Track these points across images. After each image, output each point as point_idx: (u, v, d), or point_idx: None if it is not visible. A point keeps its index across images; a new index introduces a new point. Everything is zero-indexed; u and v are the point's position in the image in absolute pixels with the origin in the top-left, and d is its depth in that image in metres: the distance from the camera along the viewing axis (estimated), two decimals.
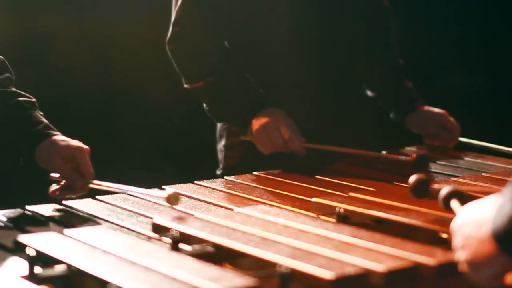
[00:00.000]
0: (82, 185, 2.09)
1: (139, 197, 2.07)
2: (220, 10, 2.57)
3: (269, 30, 2.57)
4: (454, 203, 1.60)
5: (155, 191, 2.03)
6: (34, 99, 2.17)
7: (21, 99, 2.13)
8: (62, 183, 2.12)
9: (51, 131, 2.10)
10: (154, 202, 2.05)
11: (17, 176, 3.28)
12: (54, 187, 2.13)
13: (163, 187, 2.13)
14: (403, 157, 2.38)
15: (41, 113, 2.16)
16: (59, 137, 2.10)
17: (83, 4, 3.85)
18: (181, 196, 1.96)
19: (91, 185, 2.10)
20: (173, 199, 1.92)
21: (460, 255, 1.35)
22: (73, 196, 2.12)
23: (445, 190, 1.63)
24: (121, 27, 3.83)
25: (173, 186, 2.21)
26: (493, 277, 1.32)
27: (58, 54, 3.73)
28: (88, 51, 3.80)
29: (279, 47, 2.58)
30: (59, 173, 2.11)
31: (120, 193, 2.11)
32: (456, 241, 1.36)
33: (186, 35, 2.57)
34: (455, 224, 1.38)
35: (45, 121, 2.13)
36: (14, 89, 2.16)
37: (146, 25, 3.73)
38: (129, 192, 2.08)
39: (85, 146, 2.10)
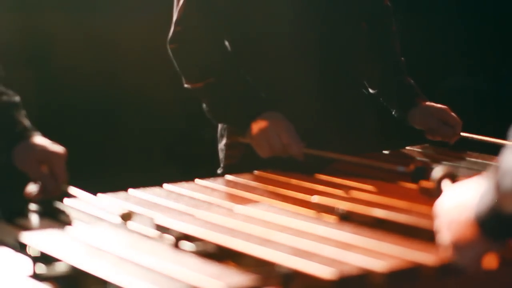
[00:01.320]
0: (54, 188, 2.10)
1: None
2: (221, 11, 2.57)
3: (270, 31, 2.57)
4: (445, 183, 1.62)
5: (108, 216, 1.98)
6: (18, 98, 2.17)
7: (3, 98, 2.14)
8: (38, 184, 2.13)
9: (29, 133, 2.12)
10: (156, 202, 2.06)
11: (17, 174, 3.28)
12: (30, 188, 2.14)
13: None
14: (402, 168, 2.37)
15: (24, 113, 2.16)
16: (37, 139, 2.11)
17: (85, 5, 3.85)
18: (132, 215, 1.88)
19: (63, 189, 2.11)
20: (126, 217, 1.86)
21: (444, 237, 1.38)
22: (46, 197, 2.13)
23: (438, 171, 1.66)
24: (123, 28, 3.83)
25: (175, 184, 2.21)
26: (474, 258, 1.37)
27: (60, 55, 3.74)
28: (91, 52, 3.81)
29: (280, 49, 2.58)
30: (33, 175, 2.12)
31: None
32: (440, 223, 1.40)
33: (187, 35, 2.57)
34: (439, 206, 1.41)
35: (25, 122, 2.14)
36: (3, 88, 2.16)
37: (148, 26, 3.73)
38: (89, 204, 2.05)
39: (62, 150, 2.11)
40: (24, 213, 2.02)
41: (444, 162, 2.54)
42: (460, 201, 1.37)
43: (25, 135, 2.11)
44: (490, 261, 1.38)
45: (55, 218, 1.97)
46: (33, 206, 2.06)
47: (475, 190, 1.34)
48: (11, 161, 2.11)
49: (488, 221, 1.31)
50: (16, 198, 2.18)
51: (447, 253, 1.40)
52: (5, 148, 2.11)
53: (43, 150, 2.09)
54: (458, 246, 1.37)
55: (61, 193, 2.10)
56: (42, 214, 2.01)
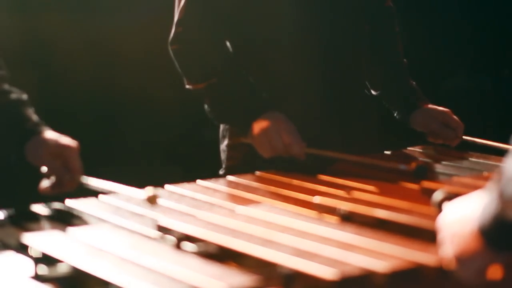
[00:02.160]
0: (70, 181, 2.09)
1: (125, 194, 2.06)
2: (223, 12, 2.57)
3: (273, 32, 2.57)
4: (446, 206, 1.61)
5: (135, 191, 2.00)
6: (25, 96, 2.17)
7: (12, 96, 2.14)
8: (52, 179, 2.12)
9: (40, 128, 2.12)
10: (158, 203, 2.05)
11: (18, 175, 3.28)
12: (44, 184, 2.13)
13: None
14: (403, 166, 2.37)
15: (32, 109, 2.16)
16: (48, 134, 2.11)
17: (85, 7, 3.85)
18: (159, 198, 1.91)
19: (79, 182, 2.10)
20: (152, 200, 1.89)
21: (448, 251, 1.37)
22: (62, 192, 2.13)
23: (438, 195, 1.65)
24: (124, 29, 3.83)
25: (176, 185, 2.21)
26: (479, 271, 1.35)
27: (61, 57, 3.73)
28: (91, 54, 3.80)
29: (282, 50, 2.58)
30: (48, 170, 2.11)
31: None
32: (443, 238, 1.38)
33: (189, 35, 2.57)
34: (442, 220, 1.40)
35: (35, 118, 2.14)
36: (6, 87, 2.16)
37: (149, 26, 3.73)
38: (112, 190, 2.06)
39: (74, 143, 2.11)
40: (26, 214, 2.01)
41: (445, 162, 2.54)
42: (462, 214, 1.36)
43: (36, 130, 2.10)
44: (494, 272, 1.36)
45: (57, 219, 1.97)
46: (35, 207, 2.05)
47: (477, 203, 1.33)
48: (23, 158, 2.10)
49: (492, 231, 1.28)
50: (16, 197, 2.17)
51: (451, 266, 1.39)
52: (17, 144, 2.10)
53: (55, 144, 2.08)
54: (462, 259, 1.35)
55: (77, 186, 2.10)
56: (44, 215, 2.00)
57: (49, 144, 2.09)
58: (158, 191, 1.89)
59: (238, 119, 2.55)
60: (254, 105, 2.52)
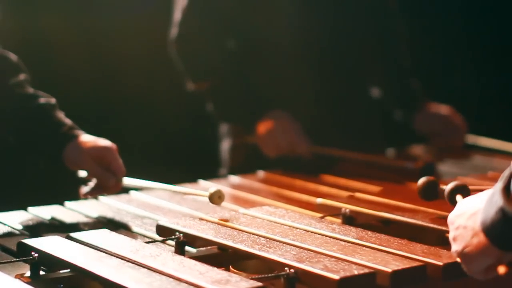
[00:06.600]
0: (115, 183, 2.03)
1: (182, 192, 2.04)
2: (225, 12, 2.56)
3: (274, 33, 2.57)
4: (459, 198, 1.59)
5: (195, 189, 1.97)
6: (54, 99, 2.09)
7: (41, 101, 2.07)
8: (91, 183, 2.06)
9: (77, 132, 2.05)
10: (158, 205, 2.04)
11: (20, 178, 3.27)
12: (85, 188, 2.07)
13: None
14: (410, 165, 2.36)
15: (63, 113, 2.10)
16: (85, 137, 2.04)
17: (83, 5, 3.84)
18: (223, 195, 1.83)
19: (123, 183, 2.05)
20: (215, 198, 1.82)
21: (453, 247, 1.34)
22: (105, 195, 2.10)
23: (450, 185, 1.63)
24: (123, 27, 3.82)
25: (180, 185, 2.20)
26: (487, 269, 1.30)
27: (59, 57, 3.73)
28: (90, 53, 3.80)
29: (283, 50, 2.58)
30: (90, 174, 2.04)
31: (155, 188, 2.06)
32: (450, 234, 1.35)
33: (193, 35, 2.57)
34: (450, 216, 1.37)
35: (69, 121, 2.06)
36: (32, 90, 2.10)
37: (148, 25, 3.72)
38: (165, 188, 2.03)
39: (112, 144, 2.06)
40: (25, 216, 2.00)
41: (449, 162, 2.53)
42: (469, 209, 1.32)
43: (73, 134, 2.04)
44: (499, 269, 1.31)
45: (57, 221, 1.96)
46: (34, 209, 2.04)
47: (484, 198, 1.29)
48: (59, 164, 2.03)
49: (494, 228, 1.24)
50: (17, 200, 2.15)
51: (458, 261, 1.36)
52: (53, 151, 2.03)
53: (95, 147, 2.02)
54: (468, 256, 1.31)
55: (121, 188, 2.05)
56: (44, 217, 1.99)
57: (88, 148, 2.01)
58: (221, 191, 1.82)
59: (243, 118, 2.55)
60: (259, 104, 2.51)
